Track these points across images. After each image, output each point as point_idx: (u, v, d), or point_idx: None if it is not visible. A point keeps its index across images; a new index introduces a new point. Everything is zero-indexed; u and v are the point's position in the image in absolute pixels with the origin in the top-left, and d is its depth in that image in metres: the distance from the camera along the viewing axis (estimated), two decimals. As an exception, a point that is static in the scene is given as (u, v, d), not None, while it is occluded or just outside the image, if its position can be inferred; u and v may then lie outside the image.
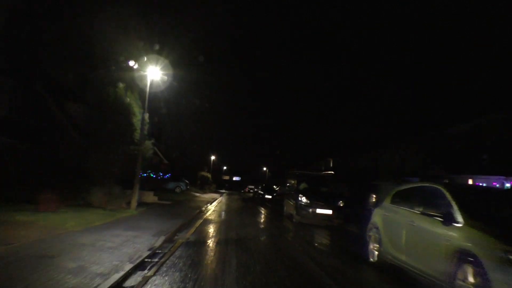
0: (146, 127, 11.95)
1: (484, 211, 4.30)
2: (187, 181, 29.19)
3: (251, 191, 51.15)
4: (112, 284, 3.98)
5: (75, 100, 11.49)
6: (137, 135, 11.52)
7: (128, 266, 4.81)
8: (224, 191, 56.71)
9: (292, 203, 13.75)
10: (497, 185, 15.18)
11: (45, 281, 3.80)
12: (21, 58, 11.82)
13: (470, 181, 16.70)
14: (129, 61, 11.71)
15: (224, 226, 10.73)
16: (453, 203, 4.24)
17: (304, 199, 12.80)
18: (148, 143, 12.38)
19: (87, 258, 5.00)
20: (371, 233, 6.26)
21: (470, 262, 3.60)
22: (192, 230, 9.16)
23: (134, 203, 11.04)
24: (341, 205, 12.93)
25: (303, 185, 13.98)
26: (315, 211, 12.49)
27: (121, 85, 11.20)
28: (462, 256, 3.71)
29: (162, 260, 5.54)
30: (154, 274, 4.67)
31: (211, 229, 9.77)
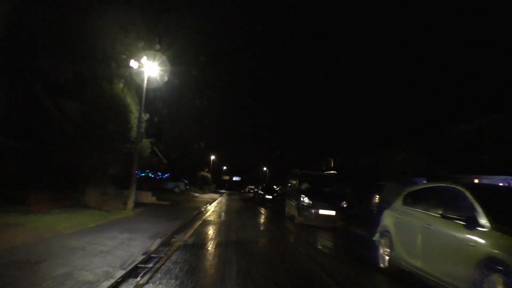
0: (144, 125, 11.58)
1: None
2: (186, 181, 28.79)
3: (251, 191, 50.79)
4: (99, 295, 3.60)
5: (69, 96, 11.10)
6: (133, 133, 11.14)
7: (119, 273, 4.43)
8: (224, 191, 56.36)
9: (293, 204, 13.37)
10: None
11: (24, 291, 3.42)
12: (13, 54, 11.44)
13: (476, 181, 16.33)
14: (126, 57, 11.34)
15: (223, 227, 10.34)
16: (477, 205, 3.85)
17: (306, 200, 12.42)
18: (146, 142, 12.02)
19: (76, 264, 4.62)
20: (381, 237, 5.85)
21: (499, 271, 3.22)
22: (191, 232, 8.77)
23: (130, 204, 10.65)
24: (345, 205, 12.55)
25: (305, 185, 13.59)
26: (318, 212, 12.11)
27: (117, 81, 10.82)
28: (490, 264, 3.33)
29: (157, 265, 5.15)
30: (147, 282, 4.28)
31: (210, 231, 9.38)
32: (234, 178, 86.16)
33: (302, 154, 52.89)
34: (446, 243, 4.03)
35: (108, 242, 6.10)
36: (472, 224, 3.71)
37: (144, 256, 5.49)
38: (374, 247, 6.12)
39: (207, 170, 47.08)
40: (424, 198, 4.98)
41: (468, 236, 3.70)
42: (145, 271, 4.82)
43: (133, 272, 4.68)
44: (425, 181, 12.32)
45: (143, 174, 22.88)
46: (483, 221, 3.66)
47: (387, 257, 5.49)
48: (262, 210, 19.01)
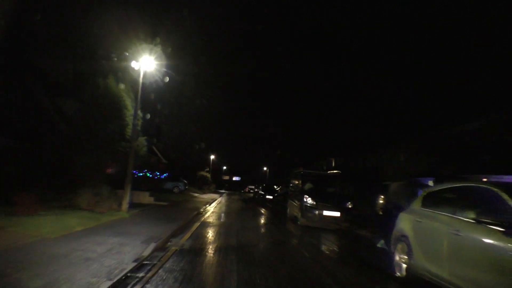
0: (139, 122, 11.03)
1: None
2: (185, 181, 28.21)
3: (251, 191, 50.22)
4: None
5: (62, 93, 10.57)
6: (129, 130, 10.59)
7: (104, 285, 3.91)
8: (224, 191, 55.80)
9: (296, 205, 12.83)
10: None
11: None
12: (12, 53, 10.95)
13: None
14: (121, 52, 10.79)
15: (223, 229, 9.80)
16: (517, 208, 3.31)
17: (309, 200, 11.89)
18: (142, 140, 11.46)
19: (56, 274, 4.09)
20: (397, 243, 5.27)
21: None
22: (188, 235, 8.24)
23: (125, 205, 10.10)
24: (350, 206, 12.00)
25: (308, 185, 13.03)
26: (322, 213, 11.58)
27: (111, 76, 10.27)
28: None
29: (149, 274, 4.62)
30: (136, 296, 3.75)
31: (209, 234, 8.83)
32: (234, 178, 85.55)
33: (302, 154, 52.41)
34: (481, 252, 3.49)
35: (96, 248, 5.56)
36: (513, 231, 3.17)
37: (135, 263, 4.96)
38: (385, 253, 5.56)
39: (207, 170, 46.49)
40: (448, 199, 4.42)
41: (509, 244, 3.16)
42: (135, 281, 4.29)
43: (121, 284, 4.15)
44: (431, 182, 11.77)
45: (141, 174, 22.33)
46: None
47: (404, 265, 4.93)
48: (263, 211, 18.47)
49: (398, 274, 5.11)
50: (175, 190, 25.88)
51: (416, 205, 5.05)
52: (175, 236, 7.88)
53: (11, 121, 9.94)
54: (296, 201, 12.89)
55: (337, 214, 11.58)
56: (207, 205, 18.56)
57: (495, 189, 3.68)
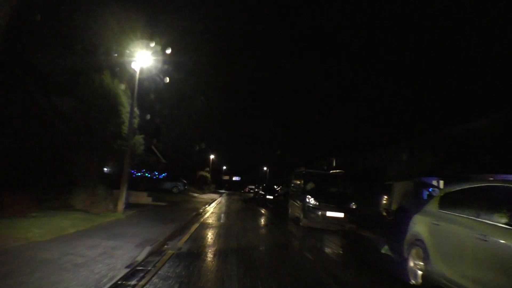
0: (136, 120, 10.66)
1: None
2: (185, 181, 27.80)
3: (251, 191, 49.87)
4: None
5: (55, 89, 10.19)
6: (125, 128, 10.21)
7: (92, 295, 3.53)
8: (223, 191, 55.38)
9: (298, 205, 12.46)
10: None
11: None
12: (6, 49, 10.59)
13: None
14: (117, 47, 10.41)
15: (223, 231, 9.42)
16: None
17: (312, 201, 11.51)
18: (138, 138, 11.09)
19: (42, 282, 3.74)
20: (411, 247, 4.86)
21: None
22: (186, 237, 7.86)
23: (121, 206, 9.71)
24: (354, 207, 11.62)
25: (310, 185, 12.64)
26: (325, 214, 11.20)
27: (106, 72, 9.89)
28: None
29: (142, 282, 4.24)
30: (126, 309, 3.37)
31: (208, 236, 8.45)
32: (234, 178, 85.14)
33: (302, 154, 51.97)
34: (512, 260, 3.11)
35: (87, 252, 5.19)
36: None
37: (128, 270, 4.59)
38: (403, 259, 5.15)
39: (207, 170, 46.10)
40: (470, 201, 4.04)
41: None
42: (126, 291, 3.91)
43: (110, 293, 3.78)
44: (434, 181, 11.41)
45: (139, 174, 21.97)
46: None
47: (419, 272, 4.54)
48: (264, 212, 18.09)
49: (413, 281, 4.71)
50: (174, 190, 25.49)
51: (433, 206, 4.66)
52: (172, 238, 7.50)
53: (5, 119, 9.56)
54: (298, 202, 12.52)
55: (341, 215, 11.21)
56: (207, 206, 18.18)
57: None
